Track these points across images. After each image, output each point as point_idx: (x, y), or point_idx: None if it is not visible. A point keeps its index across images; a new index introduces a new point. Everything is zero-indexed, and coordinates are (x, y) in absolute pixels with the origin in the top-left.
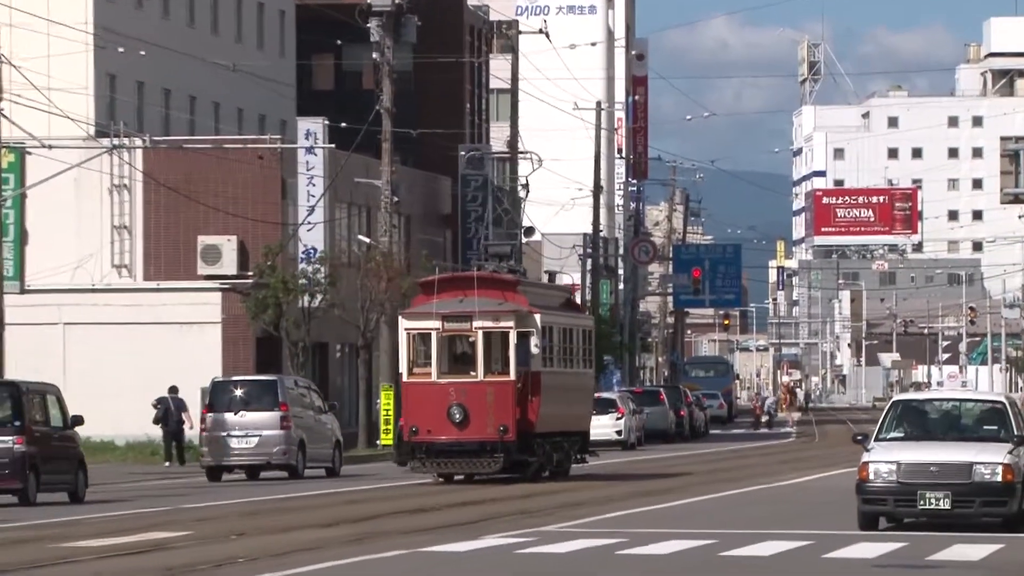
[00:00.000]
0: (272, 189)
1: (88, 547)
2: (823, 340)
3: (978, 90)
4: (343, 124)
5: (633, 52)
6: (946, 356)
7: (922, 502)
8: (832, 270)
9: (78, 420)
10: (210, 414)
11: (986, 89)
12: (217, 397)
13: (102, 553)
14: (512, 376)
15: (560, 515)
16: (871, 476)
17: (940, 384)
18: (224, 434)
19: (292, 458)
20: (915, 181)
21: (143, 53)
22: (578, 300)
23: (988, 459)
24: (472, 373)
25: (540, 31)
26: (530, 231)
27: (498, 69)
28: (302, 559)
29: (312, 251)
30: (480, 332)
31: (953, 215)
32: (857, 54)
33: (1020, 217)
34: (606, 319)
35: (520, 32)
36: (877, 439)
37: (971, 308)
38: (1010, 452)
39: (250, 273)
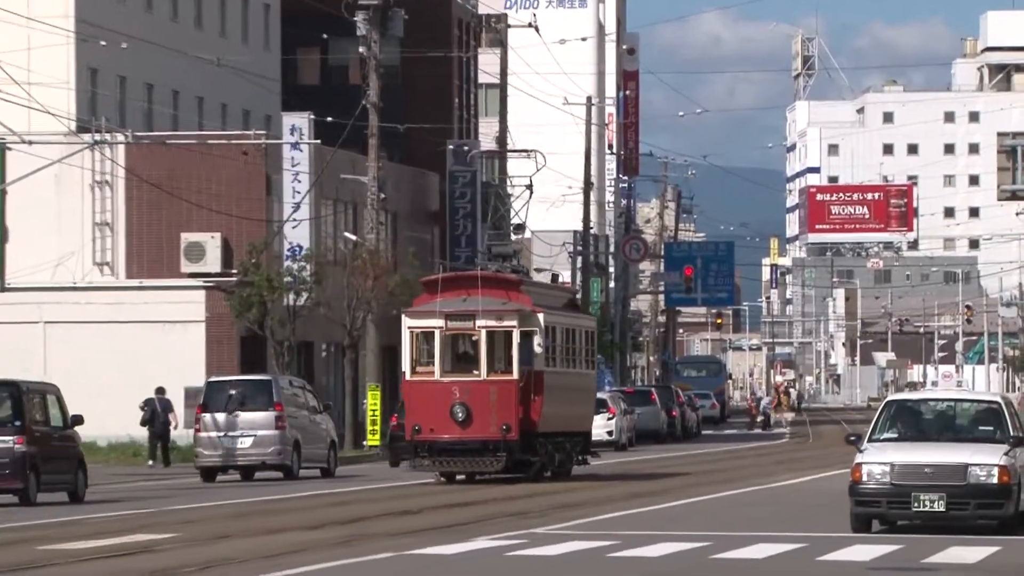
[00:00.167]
0: (257, 185)
1: (73, 549)
2: (817, 339)
3: (975, 85)
4: (329, 119)
5: (624, 46)
6: (942, 355)
7: (916, 504)
8: (826, 268)
9: (78, 420)
10: (205, 414)
11: (983, 84)
12: (212, 397)
13: (86, 556)
14: (515, 375)
15: (553, 517)
16: (864, 477)
17: (935, 384)
18: (219, 434)
19: (287, 458)
20: (911, 177)
21: (125, 46)
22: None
23: (984, 460)
24: (475, 372)
25: (529, 25)
26: (520, 228)
27: (487, 64)
28: (288, 561)
29: (297, 248)
30: (483, 331)
31: (949, 212)
32: (852, 48)
33: (1018, 214)
34: (597, 318)
35: (509, 26)
36: (870, 440)
37: (967, 307)
38: (1006, 453)
39: (234, 271)
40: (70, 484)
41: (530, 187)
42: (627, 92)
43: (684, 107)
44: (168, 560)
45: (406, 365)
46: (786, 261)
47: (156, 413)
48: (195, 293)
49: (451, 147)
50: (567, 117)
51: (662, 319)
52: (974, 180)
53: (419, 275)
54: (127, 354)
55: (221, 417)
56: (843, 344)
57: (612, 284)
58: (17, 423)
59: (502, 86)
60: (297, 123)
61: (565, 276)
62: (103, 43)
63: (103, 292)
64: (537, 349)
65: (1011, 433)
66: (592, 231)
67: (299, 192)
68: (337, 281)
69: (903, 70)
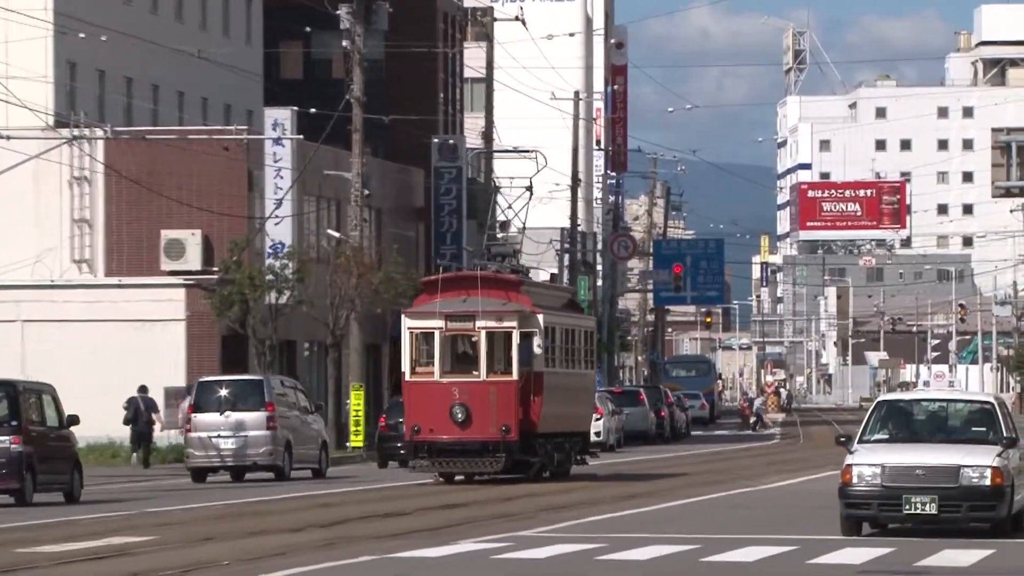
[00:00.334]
0: (238, 181)
1: (53, 552)
2: (808, 338)
3: (969, 80)
4: (312, 110)
5: (612, 40)
6: (935, 355)
7: (907, 506)
8: (818, 266)
9: (74, 420)
10: (195, 414)
11: (977, 79)
12: (202, 397)
13: (65, 559)
14: (515, 376)
15: (541, 518)
16: (854, 479)
17: (926, 384)
18: (209, 435)
19: (278, 459)
20: (903, 174)
21: (104, 38)
22: None
23: (976, 462)
24: (475, 373)
25: (516, 19)
26: (505, 225)
27: (472, 58)
28: (267, 565)
29: (280, 246)
30: (483, 332)
31: (943, 209)
32: (844, 42)
33: (1012, 211)
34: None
35: (495, 19)
36: (861, 441)
37: (961, 305)
38: (999, 455)
39: (215, 269)
40: (66, 484)
41: (530, 188)
42: (615, 87)
43: (673, 102)
44: (147, 563)
45: (406, 366)
46: (777, 259)
47: (139, 412)
48: (175, 291)
49: (436, 142)
50: (554, 112)
51: (651, 318)
52: (968, 177)
53: (403, 273)
54: (106, 353)
55: (212, 417)
56: (835, 343)
57: (600, 282)
58: (14, 423)
59: (488, 81)
60: (279, 118)
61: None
62: (82, 35)
63: (81, 290)
64: (537, 350)
65: (1004, 434)
66: (580, 228)
67: (281, 188)
68: (320, 279)
69: (896, 64)
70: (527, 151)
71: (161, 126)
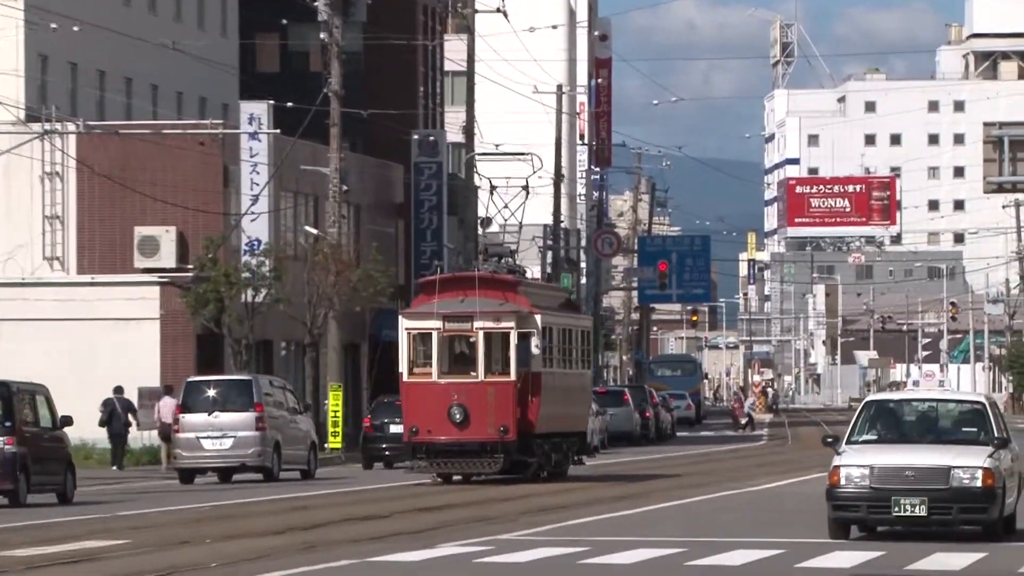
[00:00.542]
0: (213, 177)
1: (25, 556)
2: (796, 337)
3: (960, 73)
4: (289, 105)
5: (596, 33)
6: (926, 354)
7: (897, 509)
8: (806, 263)
9: (67, 420)
10: (183, 415)
11: (968, 72)
12: (190, 397)
13: (37, 563)
14: (513, 376)
15: (525, 521)
16: (842, 481)
17: (916, 384)
18: (197, 435)
19: (267, 460)
20: (893, 169)
21: (76, 28)
22: None
23: (967, 463)
24: (473, 373)
25: (498, 10)
26: (487, 222)
27: (453, 51)
28: (241, 570)
29: (256, 243)
30: (481, 332)
31: (933, 205)
32: (832, 35)
33: (1004, 207)
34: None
35: (476, 11)
36: (849, 442)
37: (952, 303)
38: (990, 455)
39: (190, 266)
40: (59, 485)
41: (526, 188)
42: (599, 80)
43: (658, 96)
44: (119, 568)
45: (403, 366)
46: (764, 256)
47: (115, 413)
48: (149, 289)
49: (416, 137)
50: (537, 106)
51: (635, 316)
52: (959, 172)
53: (383, 271)
54: (78, 353)
55: (200, 418)
56: (823, 342)
57: (583, 280)
58: (7, 423)
59: (469, 74)
60: (256, 112)
61: (535, 272)
62: (54, 27)
63: (53, 288)
64: (534, 350)
65: (995, 434)
66: (563, 225)
67: (258, 184)
68: (297, 277)
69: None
70: (523, 154)
71: (135, 120)
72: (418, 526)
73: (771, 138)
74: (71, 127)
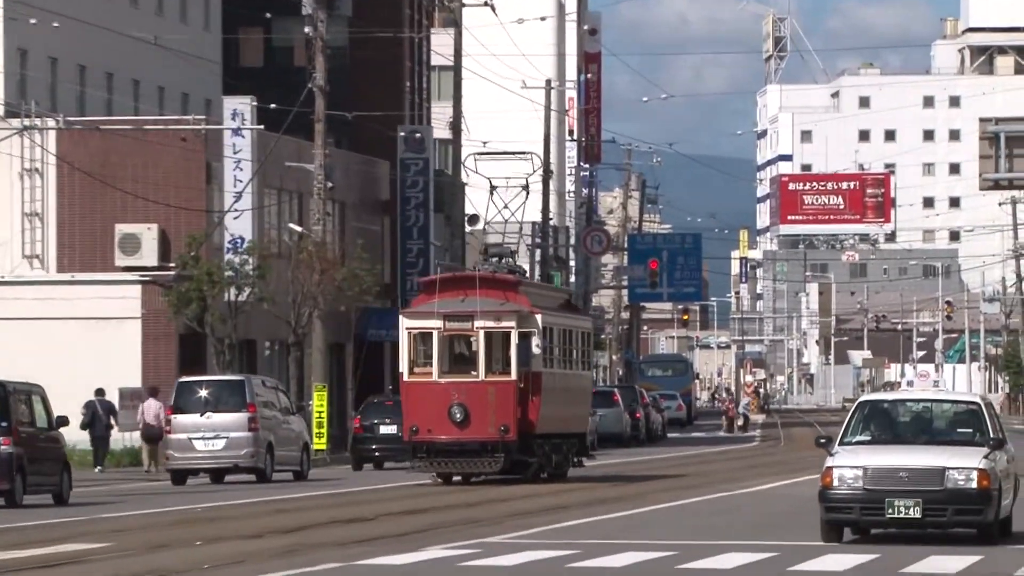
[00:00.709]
0: (196, 174)
1: (3, 560)
2: (789, 337)
3: (955, 68)
4: (272, 105)
5: (585, 27)
6: (921, 354)
7: (890, 510)
8: (799, 261)
9: (63, 421)
10: (175, 415)
11: (964, 67)
12: (182, 398)
13: (13, 567)
14: (513, 376)
15: (513, 524)
16: (835, 482)
17: (910, 384)
18: (190, 436)
19: (260, 461)
20: (888, 166)
21: (56, 25)
22: None
23: (962, 464)
24: (473, 373)
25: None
26: (474, 219)
27: (440, 45)
28: (223, 574)
29: (239, 240)
30: (482, 332)
31: (929, 202)
32: (826, 29)
33: (1000, 204)
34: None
35: (464, 4)
36: (842, 443)
37: (947, 302)
38: (986, 456)
39: (172, 264)
40: (56, 486)
41: (526, 187)
42: (589, 75)
43: (649, 91)
44: (96, 572)
45: (404, 366)
46: (756, 254)
47: (97, 415)
48: (130, 288)
49: (402, 133)
50: (525, 102)
51: (625, 315)
52: (955, 168)
53: (368, 269)
54: (58, 353)
55: (192, 418)
56: (816, 342)
57: (573, 278)
58: (3, 424)
59: (456, 68)
60: (239, 107)
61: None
62: (33, 22)
63: (32, 286)
64: (535, 350)
65: (991, 435)
66: (552, 222)
67: (241, 181)
68: (281, 275)
69: (880, 52)
70: (524, 153)
71: (116, 116)
72: (406, 528)
73: (763, 134)
74: (51, 123)
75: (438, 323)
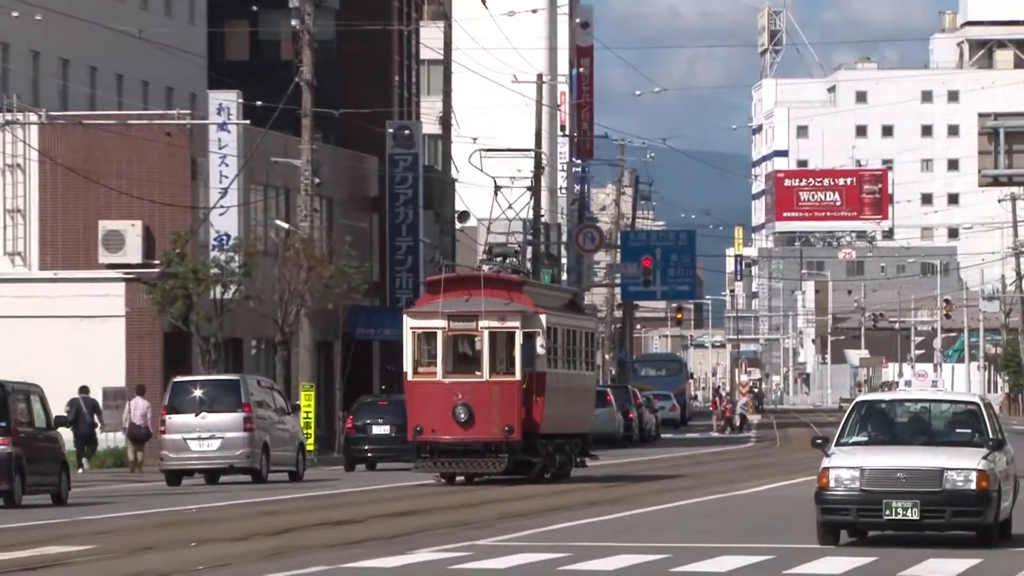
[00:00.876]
0: (181, 169)
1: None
2: (785, 336)
3: (954, 62)
4: (259, 100)
5: (577, 20)
6: (919, 353)
7: (888, 512)
8: (795, 259)
9: (62, 421)
10: (170, 415)
11: (963, 61)
12: (177, 397)
13: (11, 567)
14: (518, 376)
15: (506, 526)
16: (832, 483)
17: (908, 384)
18: (184, 436)
19: (256, 461)
20: (885, 162)
21: (39, 18)
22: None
23: (961, 465)
24: (477, 373)
25: None
26: (464, 216)
27: (429, 38)
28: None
29: (225, 237)
30: (486, 332)
31: (927, 199)
32: (822, 22)
33: (1000, 201)
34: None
35: None
36: (839, 443)
37: (946, 301)
38: (985, 457)
39: (157, 262)
40: (54, 486)
41: (532, 188)
42: (581, 69)
43: (642, 85)
44: (80, 574)
45: (408, 366)
46: (752, 252)
47: (81, 414)
48: (114, 286)
49: (391, 129)
50: (516, 96)
51: (618, 314)
52: (953, 164)
53: (356, 266)
54: (40, 352)
55: (187, 419)
56: (813, 341)
57: (564, 276)
58: (2, 424)
59: (446, 62)
60: (225, 102)
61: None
62: (15, 14)
63: (14, 284)
64: (539, 350)
65: (990, 436)
66: (543, 219)
67: (227, 176)
68: (268, 273)
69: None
70: (529, 150)
71: (99, 110)
72: (396, 530)
73: (759, 129)
74: (33, 117)
75: (442, 323)
